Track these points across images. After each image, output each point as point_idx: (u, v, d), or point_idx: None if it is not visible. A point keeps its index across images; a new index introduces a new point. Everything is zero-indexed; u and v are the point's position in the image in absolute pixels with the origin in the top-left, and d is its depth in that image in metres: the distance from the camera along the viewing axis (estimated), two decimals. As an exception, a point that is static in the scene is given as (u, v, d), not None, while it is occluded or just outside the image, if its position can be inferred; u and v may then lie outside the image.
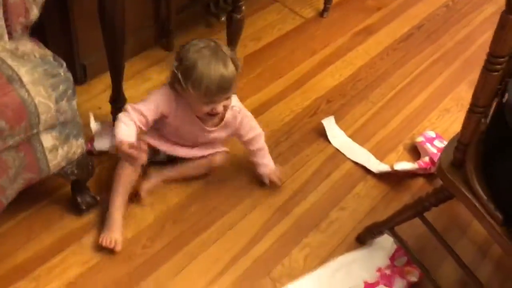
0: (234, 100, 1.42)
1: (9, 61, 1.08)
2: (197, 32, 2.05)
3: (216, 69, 1.27)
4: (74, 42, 1.65)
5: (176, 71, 1.30)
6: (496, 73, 0.97)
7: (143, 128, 1.36)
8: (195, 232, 1.46)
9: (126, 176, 1.41)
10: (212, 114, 1.36)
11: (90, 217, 1.43)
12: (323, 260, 1.46)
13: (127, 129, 1.30)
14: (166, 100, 1.37)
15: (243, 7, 1.64)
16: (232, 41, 1.76)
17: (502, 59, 0.94)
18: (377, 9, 2.42)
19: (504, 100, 1.04)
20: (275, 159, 1.65)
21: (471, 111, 1.07)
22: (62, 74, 1.11)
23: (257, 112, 1.82)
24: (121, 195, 1.40)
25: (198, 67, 1.26)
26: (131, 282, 1.32)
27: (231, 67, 1.29)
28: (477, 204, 1.11)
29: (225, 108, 1.37)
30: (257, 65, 2.01)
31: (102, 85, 1.76)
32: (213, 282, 1.37)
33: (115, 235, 1.35)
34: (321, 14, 2.28)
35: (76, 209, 1.41)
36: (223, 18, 1.99)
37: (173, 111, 1.38)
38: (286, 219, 1.54)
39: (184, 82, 1.29)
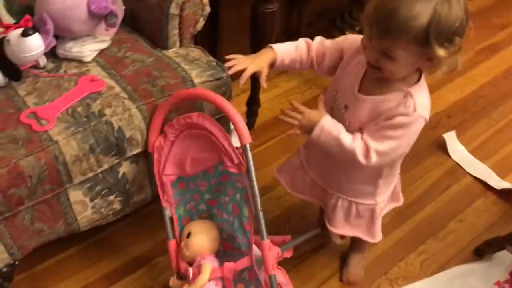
0: (424, 101, 1.00)
1: (183, 65, 1.29)
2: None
3: (403, 1, 0.86)
4: (219, 49, 1.85)
5: None
6: None
7: (315, 64, 1.14)
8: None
9: None
10: (369, 64, 0.99)
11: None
12: (440, 267, 1.52)
13: (290, 45, 1.14)
14: (354, 40, 1.09)
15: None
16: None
17: None
18: (503, 28, 2.40)
19: None
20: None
21: None
22: (225, 77, 1.29)
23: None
24: None
25: None
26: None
27: (422, 18, 0.86)
28: None
29: (384, 69, 0.95)
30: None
31: (238, 89, 1.94)
32: (333, 275, 1.48)
33: None
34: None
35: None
36: (346, 33, 2.10)
37: (350, 55, 1.09)
38: (405, 225, 1.61)
39: None
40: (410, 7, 0.86)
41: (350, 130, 1.06)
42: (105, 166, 1.17)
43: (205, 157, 1.20)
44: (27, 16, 1.14)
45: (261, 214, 1.11)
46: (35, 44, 1.11)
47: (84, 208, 1.22)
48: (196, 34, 1.78)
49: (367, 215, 1.24)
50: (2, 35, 1.13)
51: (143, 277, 1.44)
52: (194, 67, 1.28)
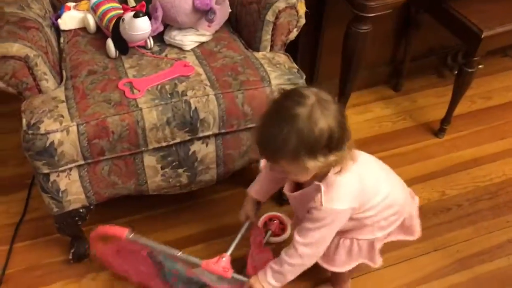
0: (335, 193, 1.05)
1: (265, 66, 1.40)
2: (428, 79, 2.16)
3: (276, 128, 0.95)
4: (317, 64, 1.94)
5: None
6: None
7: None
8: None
9: None
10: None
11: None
12: (493, 325, 1.42)
13: (261, 178, 1.29)
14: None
15: (476, 63, 1.70)
16: (456, 94, 1.83)
17: None
18: None
19: None
20: (470, 215, 1.67)
21: None
22: (300, 84, 1.38)
23: (466, 165, 1.85)
24: None
25: (269, 110, 1.00)
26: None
27: (291, 142, 0.94)
28: None
29: (289, 177, 1.10)
30: (480, 122, 2.01)
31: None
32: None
33: None
34: None
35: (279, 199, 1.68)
36: (456, 72, 2.06)
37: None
38: (464, 272, 1.54)
39: None
40: (278, 135, 0.94)
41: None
42: (178, 139, 1.33)
43: None
44: (143, 2, 1.36)
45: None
46: (143, 26, 1.31)
47: (155, 174, 1.38)
48: (298, 50, 1.91)
49: (366, 248, 1.23)
50: (120, 15, 1.36)
51: (199, 251, 1.57)
52: (275, 69, 1.39)
